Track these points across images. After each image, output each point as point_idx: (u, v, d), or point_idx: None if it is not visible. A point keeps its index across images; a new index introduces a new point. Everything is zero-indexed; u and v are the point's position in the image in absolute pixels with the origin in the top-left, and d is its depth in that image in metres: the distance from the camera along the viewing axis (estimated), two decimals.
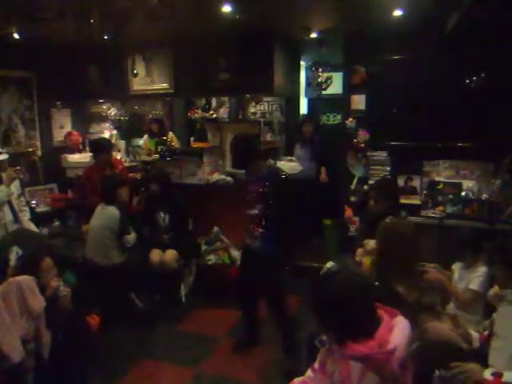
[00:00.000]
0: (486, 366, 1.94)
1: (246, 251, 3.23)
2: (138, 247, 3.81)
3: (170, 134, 5.77)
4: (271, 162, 3.89)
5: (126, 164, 5.26)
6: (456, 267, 2.85)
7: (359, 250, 3.21)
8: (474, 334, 2.15)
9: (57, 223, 4.64)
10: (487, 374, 1.86)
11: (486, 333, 2.14)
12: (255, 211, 3.02)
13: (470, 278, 2.67)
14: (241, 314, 3.42)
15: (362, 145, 4.63)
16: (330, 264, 2.99)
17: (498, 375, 1.82)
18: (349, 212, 3.95)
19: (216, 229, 4.39)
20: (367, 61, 4.62)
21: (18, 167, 3.83)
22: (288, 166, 4.80)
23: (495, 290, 2.22)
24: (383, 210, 3.10)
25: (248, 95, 5.66)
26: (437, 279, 2.62)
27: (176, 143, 5.71)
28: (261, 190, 2.98)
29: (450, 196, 4.03)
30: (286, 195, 3.04)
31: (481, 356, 2.00)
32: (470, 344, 2.13)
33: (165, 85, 5.25)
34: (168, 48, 5.14)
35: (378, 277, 2.19)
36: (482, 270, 2.64)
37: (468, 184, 4.06)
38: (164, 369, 3.14)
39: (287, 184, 3.13)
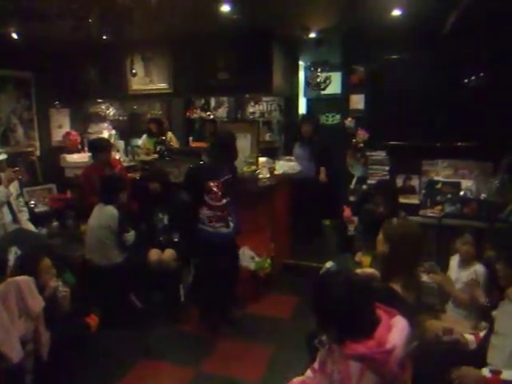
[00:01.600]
0: (484, 365, 1.94)
1: (216, 239, 3.50)
2: (137, 247, 3.80)
3: (169, 133, 5.77)
4: None
5: (125, 164, 5.25)
6: (453, 262, 2.86)
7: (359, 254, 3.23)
8: (470, 338, 2.15)
9: (55, 223, 4.63)
10: (485, 372, 1.86)
11: (481, 334, 2.15)
12: (224, 201, 3.46)
13: (467, 278, 2.67)
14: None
15: (361, 144, 4.64)
16: (329, 264, 3.00)
17: (496, 373, 1.83)
18: (348, 212, 3.95)
19: None
20: (366, 60, 4.62)
21: (17, 168, 3.83)
22: (287, 165, 4.80)
23: None
24: (384, 213, 3.11)
25: (247, 95, 5.67)
26: (438, 282, 2.63)
27: (175, 143, 5.71)
28: (229, 182, 3.50)
29: (449, 195, 4.03)
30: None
31: (479, 356, 2.00)
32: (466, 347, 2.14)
33: (163, 84, 5.25)
34: (167, 48, 5.14)
35: (382, 277, 2.19)
36: (479, 269, 2.66)
37: (467, 183, 4.06)
38: (164, 369, 3.14)
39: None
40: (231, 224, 3.51)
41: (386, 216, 2.79)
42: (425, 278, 2.55)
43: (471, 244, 2.77)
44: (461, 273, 2.76)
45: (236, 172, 3.74)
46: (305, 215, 5.07)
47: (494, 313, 2.12)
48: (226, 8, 3.67)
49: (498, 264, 2.13)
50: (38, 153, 5.40)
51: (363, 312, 1.56)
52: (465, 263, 2.77)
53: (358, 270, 2.51)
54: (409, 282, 2.08)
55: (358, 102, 4.73)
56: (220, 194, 3.45)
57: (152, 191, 4.02)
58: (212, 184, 3.44)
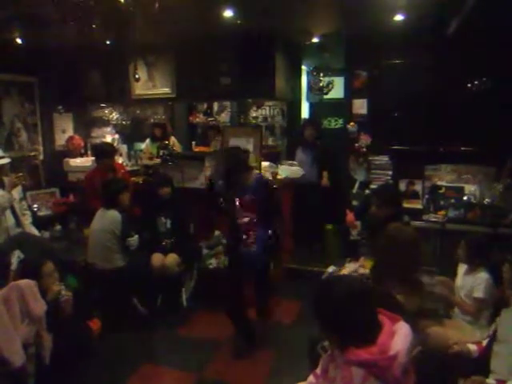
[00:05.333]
0: (486, 373, 1.93)
1: (239, 258, 3.29)
2: (140, 251, 3.80)
3: (172, 138, 5.78)
4: (256, 171, 3.91)
5: (128, 168, 5.27)
6: (461, 269, 2.85)
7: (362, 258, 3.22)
8: (472, 347, 2.14)
9: (58, 227, 4.65)
10: (491, 381, 1.85)
11: (484, 343, 2.13)
12: (246, 219, 3.20)
13: (472, 286, 2.66)
14: (236, 321, 3.37)
15: (364, 149, 4.64)
16: (331, 268, 2.99)
17: (501, 382, 1.82)
18: (350, 216, 3.93)
19: (217, 233, 4.38)
20: (369, 65, 4.63)
21: (21, 173, 3.83)
22: (290, 170, 4.80)
23: None
24: (385, 216, 3.09)
25: (249, 99, 5.68)
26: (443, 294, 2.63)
27: (178, 147, 5.71)
28: (253, 198, 3.18)
29: (452, 200, 4.02)
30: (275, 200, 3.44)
31: (482, 364, 1.98)
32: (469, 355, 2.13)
33: (166, 89, 5.27)
34: (170, 53, 5.16)
35: (375, 283, 2.18)
36: (483, 277, 2.64)
37: (470, 188, 4.05)
38: (166, 373, 3.13)
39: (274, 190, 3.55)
40: (254, 245, 3.22)
41: (389, 221, 2.79)
42: (426, 279, 2.53)
43: (463, 250, 2.78)
44: (466, 279, 2.74)
45: (265, 190, 3.32)
46: (307, 219, 5.06)
47: (497, 320, 2.10)
48: (228, 13, 3.69)
49: (504, 269, 2.12)
50: (41, 157, 5.43)
51: (365, 318, 1.55)
52: (470, 270, 2.76)
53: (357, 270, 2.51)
54: (406, 289, 2.06)
55: (360, 106, 4.74)
56: (242, 211, 3.22)
57: (161, 196, 4.03)
58: (235, 199, 3.24)
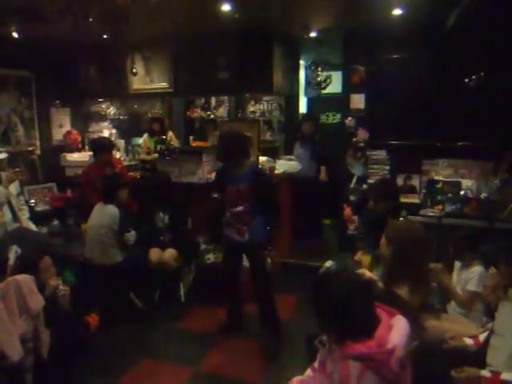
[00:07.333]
0: (483, 366, 1.94)
1: (233, 246, 3.34)
2: (138, 246, 3.81)
3: (170, 133, 5.77)
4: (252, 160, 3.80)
5: (125, 163, 5.26)
6: (457, 264, 2.87)
7: (359, 253, 3.22)
8: (468, 341, 2.15)
9: (56, 222, 4.63)
10: (485, 373, 1.86)
11: (481, 337, 2.15)
12: (240, 208, 3.18)
13: (466, 279, 2.68)
14: (229, 306, 3.59)
15: (362, 144, 4.64)
16: (329, 263, 2.99)
17: (496, 373, 1.83)
18: (348, 211, 3.95)
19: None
20: (366, 60, 4.62)
21: (18, 169, 3.83)
22: (287, 165, 4.81)
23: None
24: (383, 211, 3.09)
25: (247, 94, 5.67)
26: (441, 280, 2.64)
27: (175, 142, 5.71)
28: (247, 187, 3.13)
29: (449, 195, 4.03)
30: (269, 190, 3.30)
31: (479, 357, 2.00)
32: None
33: (164, 84, 5.25)
34: (167, 47, 5.14)
35: (387, 279, 2.16)
36: (477, 270, 2.66)
37: (467, 183, 4.06)
38: (163, 367, 3.14)
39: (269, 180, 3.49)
40: (246, 234, 3.21)
41: (387, 215, 2.79)
42: (432, 276, 2.54)
43: (453, 248, 2.81)
44: (461, 274, 2.77)
45: (258, 179, 3.22)
46: (305, 214, 5.07)
47: (496, 313, 2.12)
48: (226, 7, 3.67)
49: (500, 264, 2.13)
50: (38, 152, 5.41)
51: (363, 312, 1.55)
52: (465, 265, 2.78)
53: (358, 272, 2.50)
54: (416, 285, 2.05)
55: (358, 101, 4.74)
56: (235, 200, 3.18)
57: (155, 196, 4.02)
58: (230, 189, 3.20)
